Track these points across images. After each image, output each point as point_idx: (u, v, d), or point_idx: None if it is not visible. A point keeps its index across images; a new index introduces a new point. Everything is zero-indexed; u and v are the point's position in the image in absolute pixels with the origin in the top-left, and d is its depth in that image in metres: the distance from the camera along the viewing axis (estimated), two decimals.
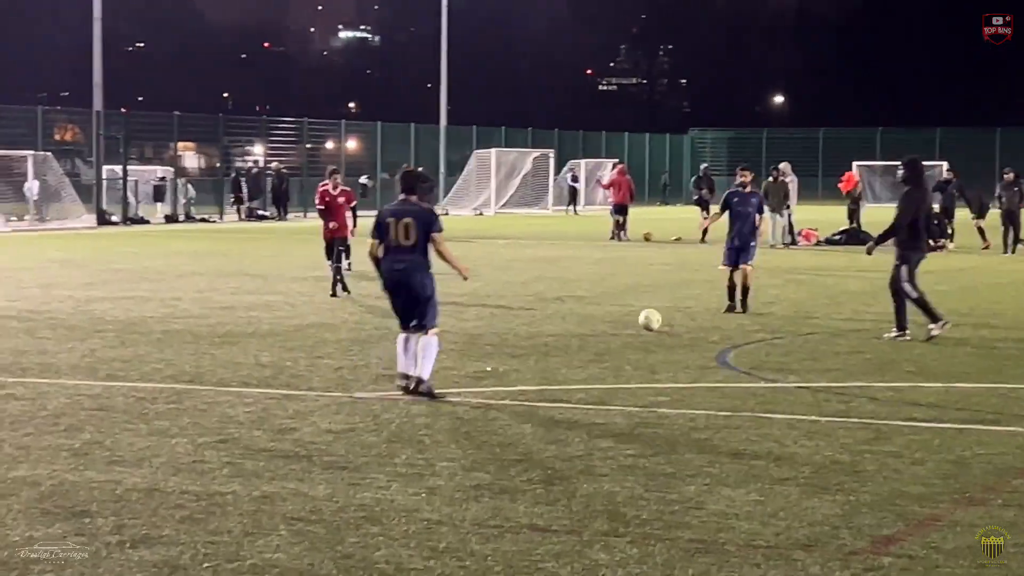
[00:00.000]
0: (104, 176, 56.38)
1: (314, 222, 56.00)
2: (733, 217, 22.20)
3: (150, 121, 66.77)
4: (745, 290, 22.03)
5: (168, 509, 9.57)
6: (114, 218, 54.16)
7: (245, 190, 60.78)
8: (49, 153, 53.75)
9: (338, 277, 24.54)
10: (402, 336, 14.13)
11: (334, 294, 24.27)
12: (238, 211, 60.47)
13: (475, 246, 38.47)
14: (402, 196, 14.24)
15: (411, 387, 13.91)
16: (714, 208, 22.55)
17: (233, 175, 62.12)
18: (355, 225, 25.92)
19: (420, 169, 18.25)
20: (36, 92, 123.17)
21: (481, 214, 66.27)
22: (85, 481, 10.35)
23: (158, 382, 14.91)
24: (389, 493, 10.07)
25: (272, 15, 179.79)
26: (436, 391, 13.90)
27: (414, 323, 14.02)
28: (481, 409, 13.52)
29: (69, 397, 13.88)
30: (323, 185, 25.85)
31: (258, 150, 68.98)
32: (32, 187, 51.88)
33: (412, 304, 14.06)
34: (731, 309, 21.89)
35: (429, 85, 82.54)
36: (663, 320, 19.53)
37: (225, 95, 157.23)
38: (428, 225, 14.00)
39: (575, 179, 72.86)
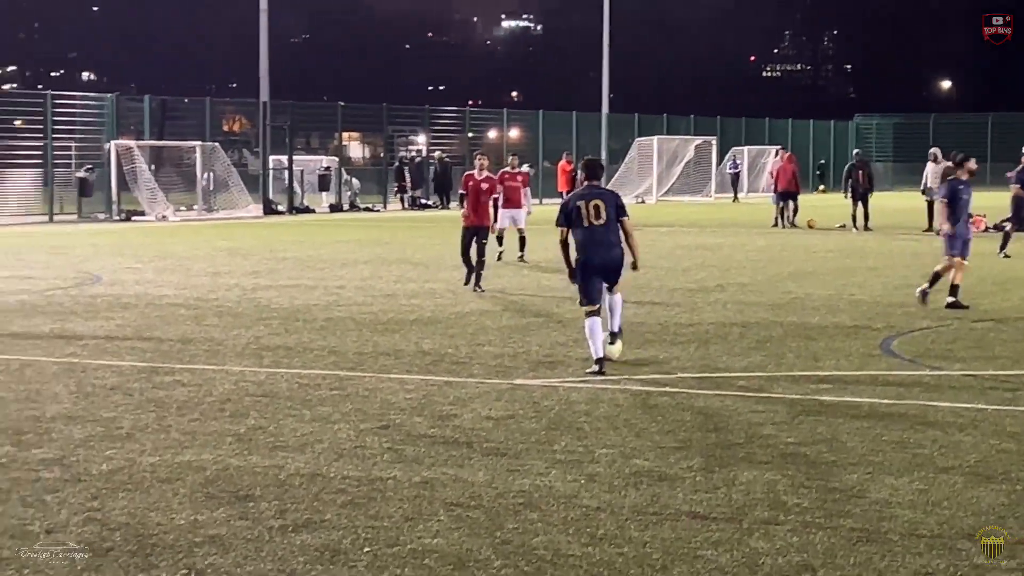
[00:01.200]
0: (270, 166, 57.18)
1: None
2: (960, 208, 21.26)
3: (315, 111, 67.50)
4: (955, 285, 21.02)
5: (330, 494, 9.67)
6: (280, 208, 54.89)
7: (408, 179, 61.22)
8: (217, 144, 54.63)
9: (480, 271, 23.38)
10: (594, 320, 14.81)
11: (468, 283, 23.45)
12: (401, 200, 60.92)
13: (637, 234, 38.27)
14: (587, 182, 15.41)
15: (603, 370, 14.60)
16: (938, 205, 21.45)
17: (396, 164, 62.61)
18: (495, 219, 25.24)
19: (590, 157, 18.18)
20: (204, 84, 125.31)
21: (643, 202, 66.07)
22: (249, 466, 10.51)
23: (321, 369, 15.09)
24: (548, 480, 10.08)
25: (437, 5, 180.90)
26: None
27: (604, 289, 15.23)
28: (641, 396, 13.48)
29: (235, 383, 14.11)
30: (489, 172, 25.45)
31: (421, 139, 69.46)
32: (207, 177, 52.87)
33: (609, 276, 15.22)
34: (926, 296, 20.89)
35: (592, 74, 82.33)
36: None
37: (390, 84, 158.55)
38: (618, 206, 15.21)
39: (736, 166, 72.37)
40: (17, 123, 53.00)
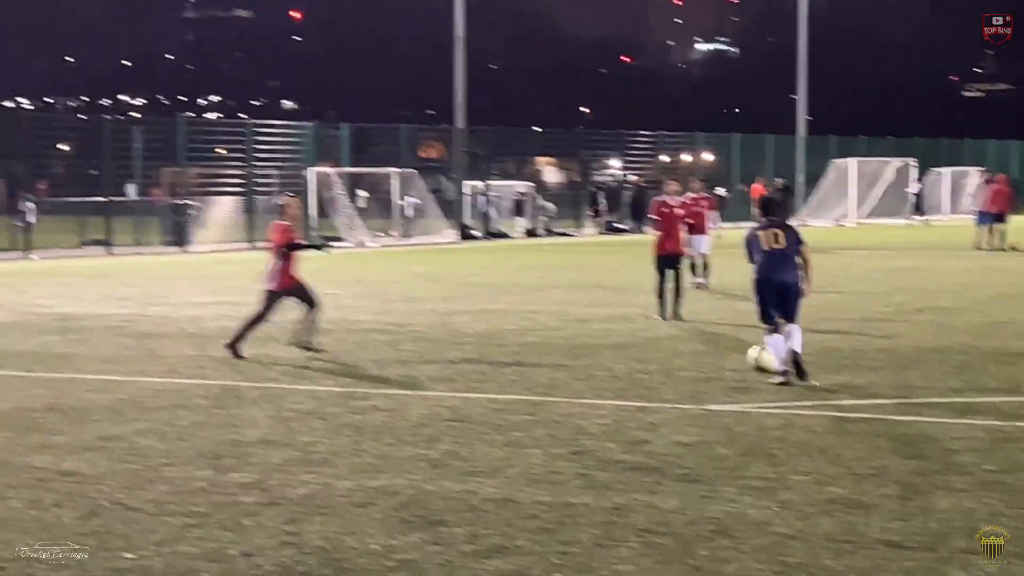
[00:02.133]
0: (466, 192, 57.67)
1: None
2: None
3: (510, 137, 67.91)
4: None
5: (521, 519, 9.71)
6: (475, 233, 55.31)
7: (603, 203, 61.29)
8: (414, 170, 55.28)
9: (679, 298, 22.81)
10: (773, 337, 15.70)
11: (664, 316, 22.65)
12: (596, 224, 61.00)
13: (834, 257, 37.92)
14: (764, 218, 16.47)
15: (790, 379, 15.40)
16: None
17: (591, 189, 62.71)
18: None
19: (781, 180, 18.42)
20: (402, 111, 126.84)
21: (841, 225, 65.30)
22: (442, 491, 10.59)
23: (514, 394, 15.16)
24: (740, 506, 10.00)
25: (631, 29, 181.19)
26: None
27: (780, 317, 15.70)
28: (835, 422, 13.31)
29: (429, 408, 14.24)
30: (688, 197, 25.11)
31: (615, 163, 69.49)
32: (408, 203, 53.55)
33: (785, 301, 15.74)
34: None
35: (788, 95, 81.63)
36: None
37: (584, 109, 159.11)
38: (795, 233, 16.07)
39: (919, 187, 70.95)
40: (220, 151, 54.22)
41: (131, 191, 52.08)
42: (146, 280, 32.28)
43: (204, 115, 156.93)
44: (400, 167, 54.33)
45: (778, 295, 15.75)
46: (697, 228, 28.19)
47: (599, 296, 27.37)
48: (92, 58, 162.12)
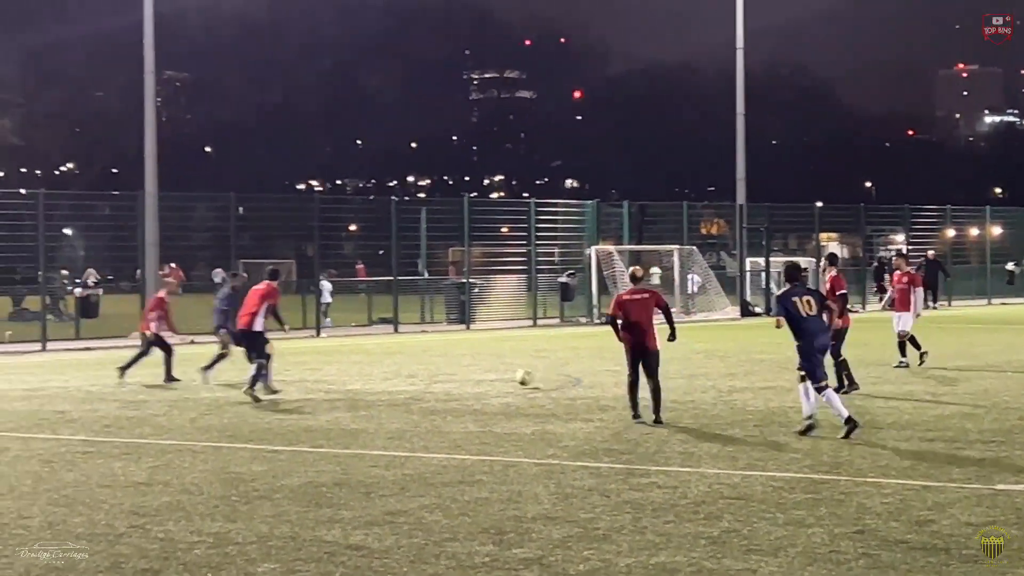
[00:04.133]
0: (747, 268, 57.36)
1: (979, 310, 55.04)
2: None
3: (792, 213, 67.39)
4: None
5: None
6: (757, 309, 54.90)
7: (888, 279, 60.27)
8: (694, 247, 55.26)
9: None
10: (829, 392, 17.89)
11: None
12: (881, 300, 60.01)
13: None
14: (789, 284, 18.69)
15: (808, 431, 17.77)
16: None
17: (875, 264, 61.78)
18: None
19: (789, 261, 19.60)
20: (682, 188, 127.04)
21: None
22: (722, 568, 10.55)
23: (796, 472, 15.02)
24: None
25: (917, 103, 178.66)
26: None
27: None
28: None
29: (709, 486, 14.20)
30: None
31: (900, 238, 68.33)
32: (692, 280, 53.56)
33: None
34: None
35: None
36: None
37: (868, 184, 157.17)
38: (822, 298, 18.74)
39: None
40: (503, 230, 55.01)
41: (419, 269, 53.26)
42: (432, 357, 32.88)
43: (488, 195, 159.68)
44: (681, 243, 54.36)
45: (822, 356, 18.19)
46: (901, 304, 27.75)
47: (883, 372, 26.91)
48: (381, 141, 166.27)
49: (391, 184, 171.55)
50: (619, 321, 20.13)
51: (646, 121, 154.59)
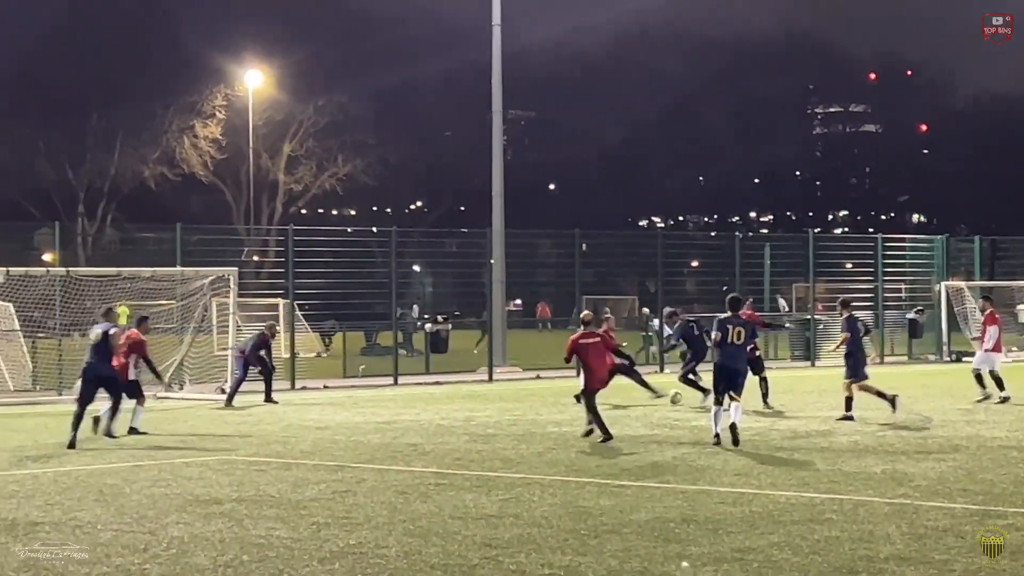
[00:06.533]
0: None
1: None
2: None
3: None
4: None
5: None
6: None
7: None
8: None
9: None
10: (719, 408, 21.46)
11: None
12: None
13: None
14: (730, 313, 21.74)
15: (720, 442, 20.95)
16: None
17: None
18: None
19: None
20: None
21: None
22: None
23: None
24: None
25: None
26: None
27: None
28: None
29: None
30: None
31: None
32: None
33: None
34: None
35: None
36: None
37: None
38: (753, 329, 22.52)
39: None
40: (848, 266, 54.28)
41: (780, 305, 53.11)
42: (776, 394, 32.55)
43: (831, 230, 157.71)
44: None
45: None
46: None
47: None
48: (723, 177, 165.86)
49: (733, 220, 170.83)
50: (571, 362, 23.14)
51: (996, 154, 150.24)
